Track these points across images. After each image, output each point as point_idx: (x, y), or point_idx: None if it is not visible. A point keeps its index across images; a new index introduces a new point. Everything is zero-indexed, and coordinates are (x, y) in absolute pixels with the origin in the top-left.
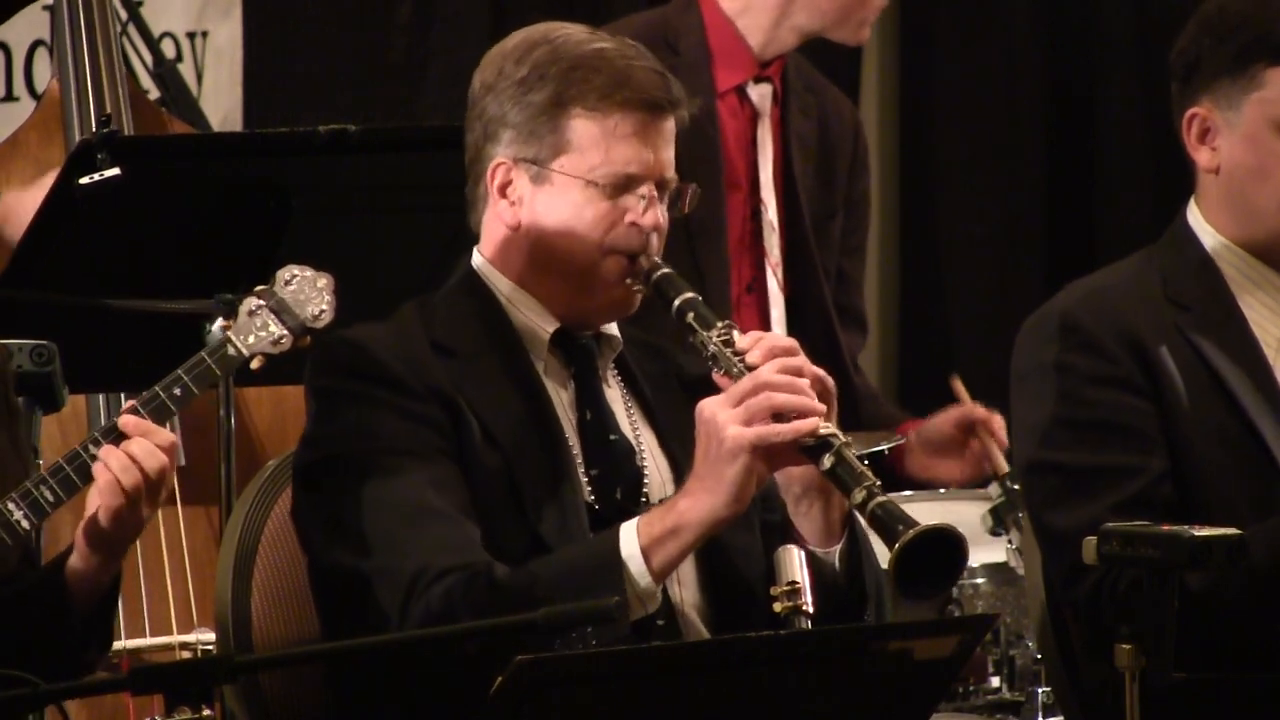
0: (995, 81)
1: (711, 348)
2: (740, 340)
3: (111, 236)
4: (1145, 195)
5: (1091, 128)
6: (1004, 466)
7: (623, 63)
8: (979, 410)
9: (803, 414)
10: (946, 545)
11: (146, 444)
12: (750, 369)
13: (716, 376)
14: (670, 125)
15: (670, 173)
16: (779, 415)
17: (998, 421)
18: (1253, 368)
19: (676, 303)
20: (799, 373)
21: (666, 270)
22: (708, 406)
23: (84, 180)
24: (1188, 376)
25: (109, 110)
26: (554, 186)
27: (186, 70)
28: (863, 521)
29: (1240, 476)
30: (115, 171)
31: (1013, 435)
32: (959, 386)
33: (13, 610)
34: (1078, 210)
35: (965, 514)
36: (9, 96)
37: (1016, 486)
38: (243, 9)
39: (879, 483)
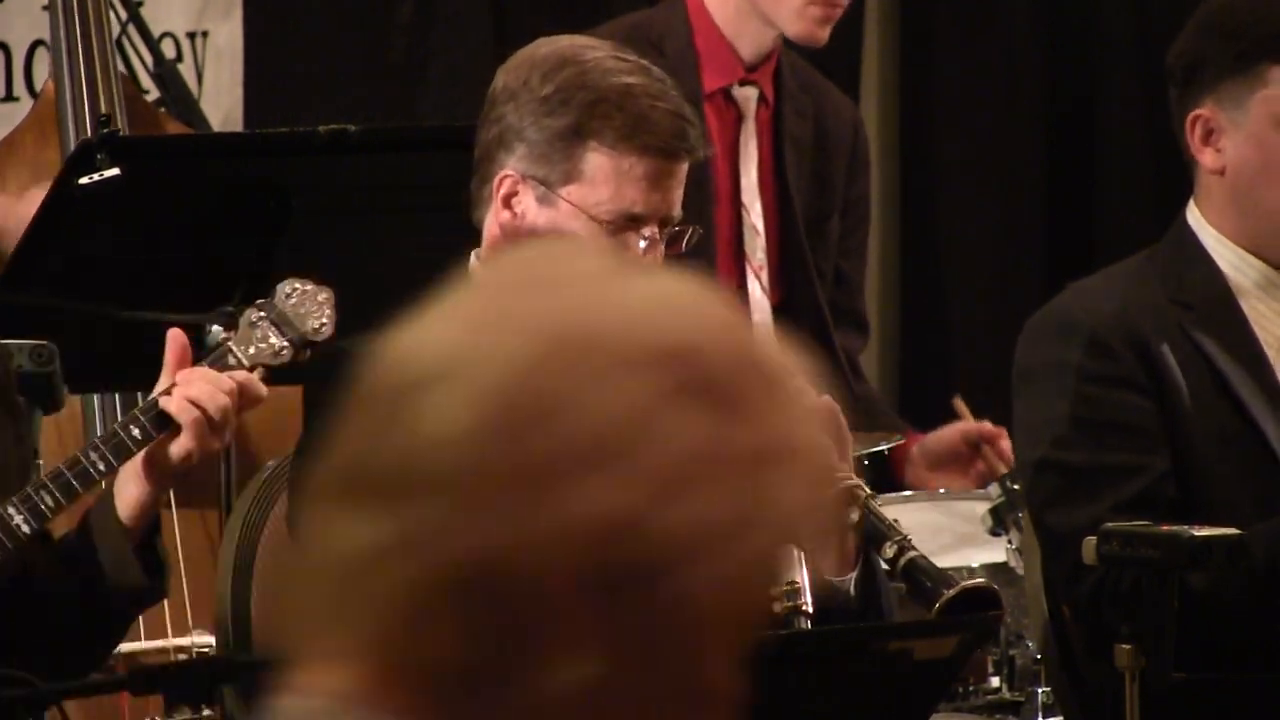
0: (995, 81)
1: None
2: None
3: (111, 236)
4: (1145, 195)
5: (1091, 128)
6: (1002, 470)
7: (647, 102)
8: (987, 425)
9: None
10: (981, 599)
11: (211, 374)
12: None
13: None
14: (684, 167)
15: (675, 211)
16: None
17: (1006, 444)
18: (1254, 367)
19: None
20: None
21: None
22: None
23: (84, 180)
24: (1190, 375)
25: (105, 111)
26: (558, 212)
27: (186, 70)
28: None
29: (1242, 476)
30: (115, 171)
31: (1014, 434)
32: (961, 406)
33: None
34: (1078, 210)
35: (965, 514)
36: (9, 96)
37: (1016, 486)
38: (243, 9)
39: (908, 536)
